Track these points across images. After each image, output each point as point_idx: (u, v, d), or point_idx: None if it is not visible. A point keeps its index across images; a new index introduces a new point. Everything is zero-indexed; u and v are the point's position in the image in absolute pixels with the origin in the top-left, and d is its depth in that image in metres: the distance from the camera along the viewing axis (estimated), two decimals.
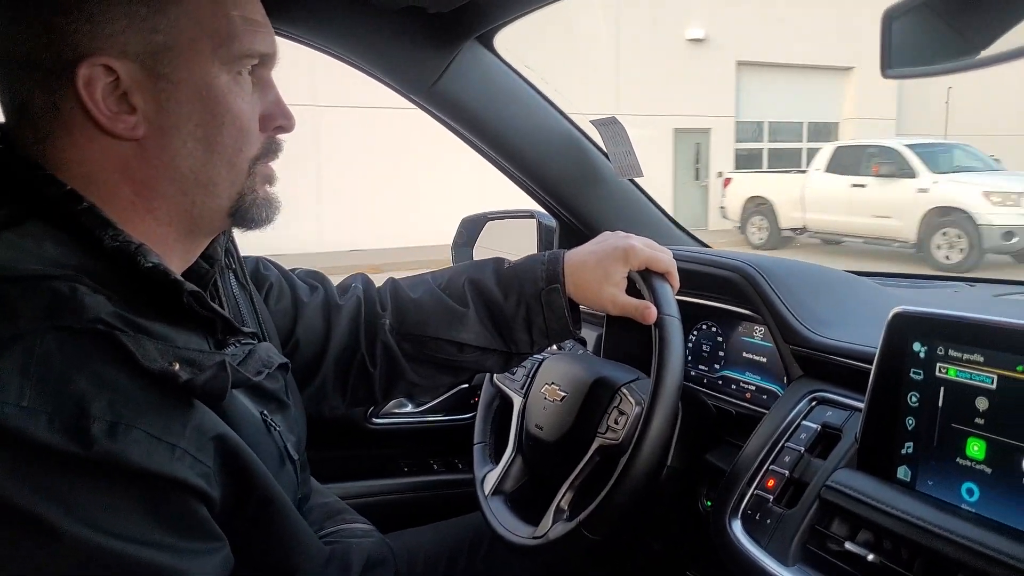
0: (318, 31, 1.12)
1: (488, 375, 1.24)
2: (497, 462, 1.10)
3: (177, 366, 0.56)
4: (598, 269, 0.92)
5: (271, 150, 0.71)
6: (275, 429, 0.71)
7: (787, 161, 15.93)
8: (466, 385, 1.46)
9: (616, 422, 0.97)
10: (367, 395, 0.98)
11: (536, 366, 1.15)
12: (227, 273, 0.80)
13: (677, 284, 0.94)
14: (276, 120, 0.70)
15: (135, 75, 0.61)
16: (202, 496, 0.58)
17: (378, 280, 1.03)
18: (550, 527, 0.93)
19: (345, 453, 1.36)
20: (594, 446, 0.97)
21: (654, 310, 0.89)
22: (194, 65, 0.63)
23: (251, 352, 0.68)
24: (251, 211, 0.70)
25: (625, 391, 0.99)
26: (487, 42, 1.20)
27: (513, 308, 0.93)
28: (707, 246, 1.45)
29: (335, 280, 1.02)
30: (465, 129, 1.27)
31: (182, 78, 0.63)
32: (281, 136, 0.72)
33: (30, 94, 0.61)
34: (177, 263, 0.70)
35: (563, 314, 0.93)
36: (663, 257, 0.93)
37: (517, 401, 1.13)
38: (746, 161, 15.90)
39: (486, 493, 1.05)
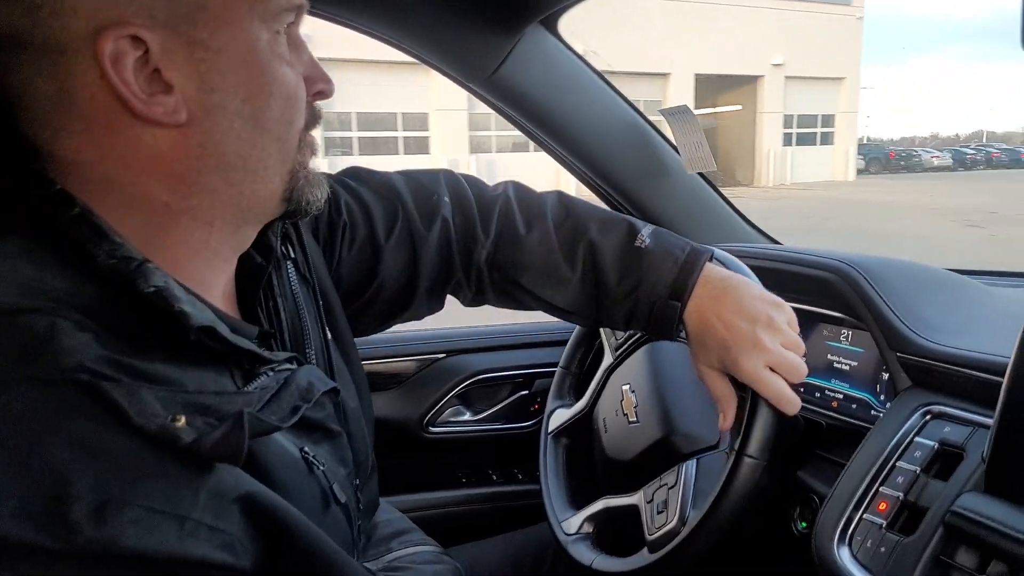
0: (370, 15, 1.06)
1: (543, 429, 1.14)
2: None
3: (183, 420, 0.45)
4: (719, 327, 0.76)
5: (315, 119, 0.61)
6: (318, 468, 0.60)
7: (389, 148, 18.30)
8: (526, 392, 1.38)
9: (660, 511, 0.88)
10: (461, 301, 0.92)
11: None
12: (285, 264, 0.68)
13: (789, 412, 0.77)
14: (316, 84, 0.60)
15: (168, 45, 0.50)
16: (227, 570, 0.47)
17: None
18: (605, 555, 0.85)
19: (400, 463, 1.30)
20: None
21: (729, 421, 0.78)
22: (235, 26, 0.52)
23: (287, 382, 0.56)
24: (305, 191, 0.60)
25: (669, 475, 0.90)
26: (551, 26, 1.12)
27: (622, 296, 0.81)
28: (779, 243, 1.36)
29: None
30: (526, 119, 1.19)
31: (223, 43, 0.52)
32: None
33: (27, 83, 0.49)
34: (220, 266, 0.60)
35: (670, 329, 0.80)
36: (789, 375, 0.76)
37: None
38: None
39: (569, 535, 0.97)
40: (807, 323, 1.13)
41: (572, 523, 0.96)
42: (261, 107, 0.54)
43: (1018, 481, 0.70)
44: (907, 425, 0.83)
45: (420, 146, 18.92)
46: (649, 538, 0.86)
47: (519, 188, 0.90)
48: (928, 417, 0.83)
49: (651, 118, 1.28)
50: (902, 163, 35.08)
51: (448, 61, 1.11)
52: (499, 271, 0.86)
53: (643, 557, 0.84)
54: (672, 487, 0.87)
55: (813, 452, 1.00)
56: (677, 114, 1.23)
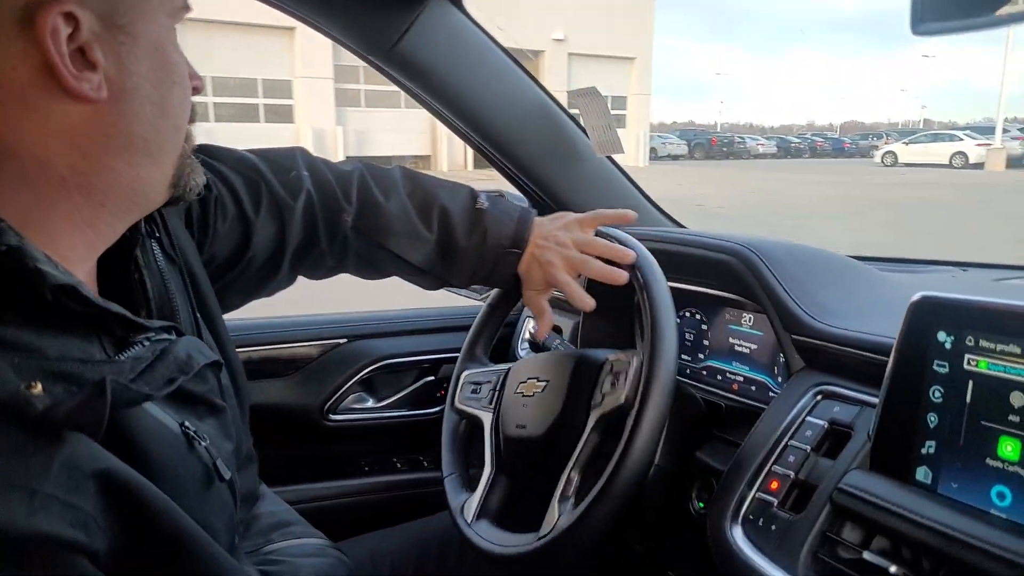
0: None
1: (448, 402, 1.10)
2: (473, 490, 0.97)
3: (39, 387, 0.44)
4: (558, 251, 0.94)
5: (194, 111, 0.63)
6: (200, 444, 0.58)
7: (248, 115, 17.85)
8: (432, 378, 1.35)
9: (613, 384, 0.86)
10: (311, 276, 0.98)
11: (503, 376, 1.03)
12: (149, 242, 0.67)
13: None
14: (194, 79, 0.62)
15: (94, 27, 0.52)
16: (79, 550, 0.44)
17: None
18: (556, 520, 0.83)
19: (298, 453, 1.24)
20: (591, 421, 0.86)
21: (630, 254, 0.89)
22: (148, 16, 0.56)
23: (164, 353, 0.55)
24: (189, 178, 0.63)
25: (613, 357, 0.89)
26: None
27: (469, 250, 0.95)
28: (684, 227, 1.37)
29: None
30: (429, 95, 1.15)
31: (139, 31, 0.55)
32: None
33: None
34: (96, 247, 0.59)
35: (509, 277, 0.97)
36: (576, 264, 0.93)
37: (487, 417, 1.01)
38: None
39: (469, 520, 0.93)
40: (712, 308, 1.14)
41: (471, 505, 0.94)
42: (166, 94, 0.57)
43: (901, 458, 0.71)
44: (799, 405, 0.84)
45: (283, 114, 18.42)
46: (547, 519, 0.84)
47: (367, 164, 0.99)
48: (820, 397, 0.84)
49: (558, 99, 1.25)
50: (724, 149, 35.70)
51: (346, 31, 1.06)
52: (364, 237, 0.93)
53: (540, 539, 0.83)
54: (573, 467, 0.86)
55: (712, 433, 1.01)
56: (586, 96, 1.21)
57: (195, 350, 0.59)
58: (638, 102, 24.71)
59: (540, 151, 1.24)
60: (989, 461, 0.65)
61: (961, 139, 26.83)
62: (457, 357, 1.09)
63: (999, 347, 0.65)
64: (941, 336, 0.69)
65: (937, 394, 0.69)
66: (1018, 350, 0.64)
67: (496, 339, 1.13)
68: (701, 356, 1.16)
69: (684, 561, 1.05)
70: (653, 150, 31.30)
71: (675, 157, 32.55)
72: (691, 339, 1.17)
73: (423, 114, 21.41)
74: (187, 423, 0.58)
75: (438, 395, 1.35)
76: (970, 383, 0.67)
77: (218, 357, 0.63)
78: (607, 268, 0.89)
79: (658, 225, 1.36)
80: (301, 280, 0.98)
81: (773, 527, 0.77)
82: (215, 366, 0.63)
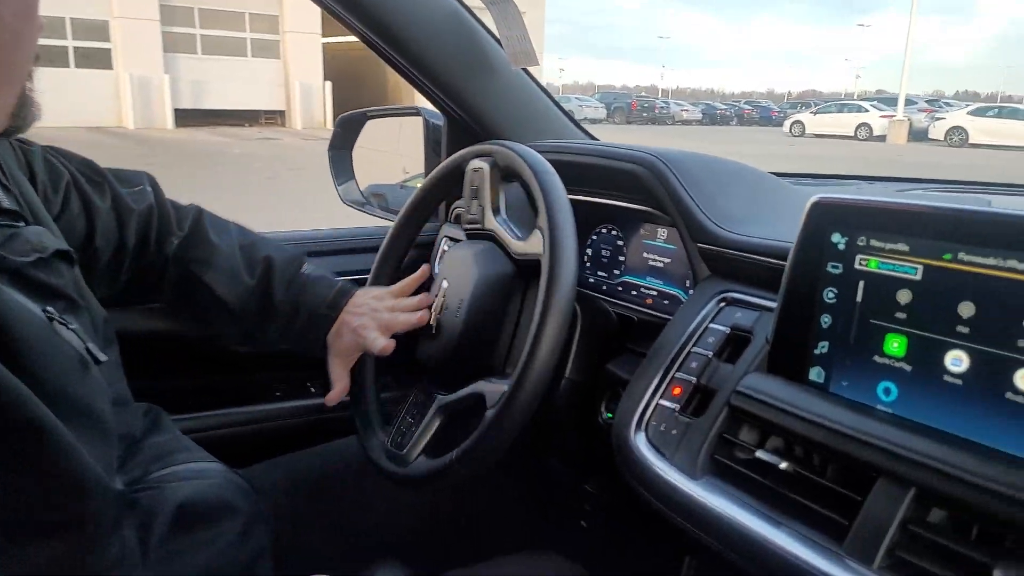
0: None
1: None
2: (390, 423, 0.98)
3: None
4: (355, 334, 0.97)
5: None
6: (68, 328, 0.59)
7: (54, 59, 16.06)
8: None
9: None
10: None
11: None
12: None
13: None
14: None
15: None
16: None
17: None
18: (413, 460, 0.83)
19: (208, 382, 1.20)
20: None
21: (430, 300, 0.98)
22: None
23: (14, 235, 0.57)
24: (28, 112, 0.64)
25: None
26: None
27: (284, 303, 0.97)
28: (596, 139, 1.35)
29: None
30: (336, 4, 1.08)
31: None
32: None
33: None
34: None
35: (319, 340, 0.98)
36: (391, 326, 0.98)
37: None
38: None
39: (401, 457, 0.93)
40: (629, 223, 1.13)
41: (376, 427, 0.93)
42: (22, 27, 0.59)
43: (796, 359, 0.73)
44: (703, 313, 0.84)
45: (98, 60, 16.79)
46: (460, 443, 0.84)
47: (206, 211, 1.02)
48: (723, 304, 0.85)
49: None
50: (645, 114, 34.77)
51: None
52: (184, 265, 0.95)
53: (447, 457, 0.83)
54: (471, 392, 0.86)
55: (624, 346, 1.01)
56: (500, 4, 1.16)
57: (46, 237, 0.61)
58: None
59: (452, 62, 1.19)
60: (876, 358, 0.67)
61: (867, 110, 26.55)
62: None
63: (888, 246, 0.66)
64: (835, 237, 0.70)
65: (831, 295, 0.70)
66: (906, 248, 0.65)
67: (408, 261, 1.10)
68: (617, 272, 1.15)
69: (597, 472, 1.07)
70: (570, 112, 31.51)
71: (593, 121, 30.92)
72: (607, 255, 1.17)
73: (275, 65, 19.42)
74: (49, 308, 0.58)
75: None
76: (861, 283, 0.68)
77: (69, 248, 0.64)
78: (411, 317, 0.97)
79: (573, 137, 1.33)
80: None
81: (674, 432, 0.78)
82: (66, 258, 0.64)
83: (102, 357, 0.62)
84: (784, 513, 0.66)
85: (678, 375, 0.81)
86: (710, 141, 20.05)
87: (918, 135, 24.20)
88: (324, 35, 18.63)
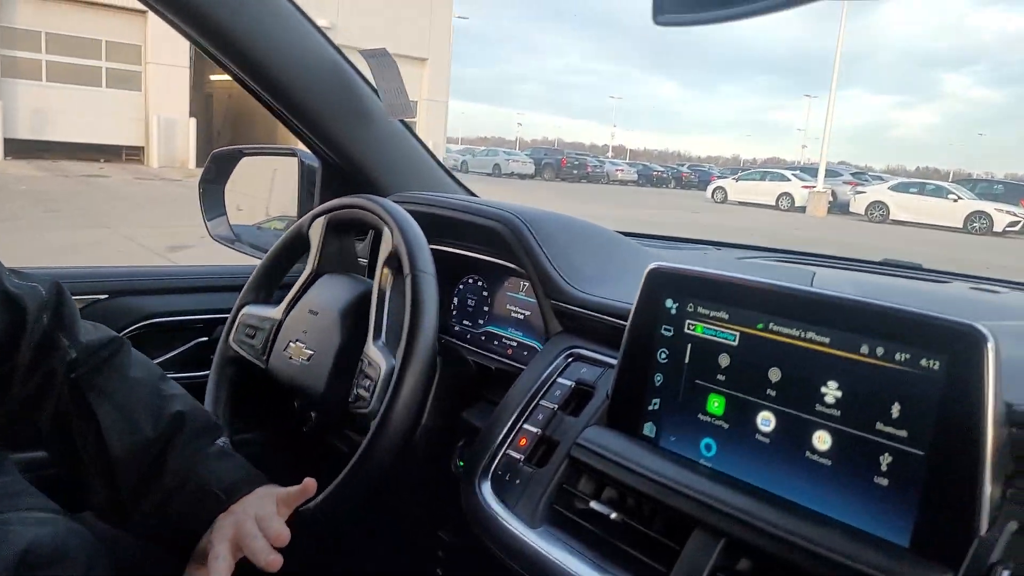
0: None
1: (223, 337, 1.10)
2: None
3: None
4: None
5: None
6: None
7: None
8: (205, 339, 1.28)
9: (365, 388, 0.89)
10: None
11: (274, 327, 1.04)
12: None
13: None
14: None
15: None
16: None
17: None
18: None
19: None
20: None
21: (283, 538, 0.78)
22: None
23: None
24: None
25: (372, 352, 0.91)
26: None
27: (179, 471, 0.82)
28: (475, 196, 1.39)
29: None
30: (210, 44, 1.07)
31: None
32: None
33: None
34: None
35: (208, 512, 0.82)
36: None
37: (256, 369, 1.00)
38: None
39: None
40: (494, 276, 1.17)
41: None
42: None
43: (632, 414, 0.78)
44: (552, 367, 0.89)
45: None
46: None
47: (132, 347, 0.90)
48: (570, 359, 0.89)
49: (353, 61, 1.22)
50: (575, 171, 32.93)
51: None
52: (77, 389, 0.82)
53: (311, 502, 0.83)
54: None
55: (482, 395, 1.04)
56: (377, 57, 1.19)
57: None
58: (431, 109, 21.70)
59: (329, 108, 1.20)
60: (700, 416, 0.73)
61: (789, 179, 25.20)
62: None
63: (712, 313, 0.72)
64: (668, 303, 0.76)
65: (663, 355, 0.76)
66: (726, 316, 0.71)
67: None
68: (481, 322, 1.18)
69: (449, 519, 1.08)
70: (496, 166, 30.53)
71: (521, 176, 30.51)
72: (472, 305, 1.20)
73: (132, 98, 17.22)
74: None
75: (211, 357, 1.28)
76: (689, 346, 0.74)
77: None
78: (262, 551, 0.76)
79: (448, 191, 1.37)
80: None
81: (518, 481, 0.81)
82: None
83: None
84: (613, 562, 0.70)
85: (525, 426, 0.84)
86: (631, 205, 19.12)
87: (841, 207, 23.09)
88: (216, 72, 17.56)
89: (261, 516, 0.80)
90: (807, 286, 0.67)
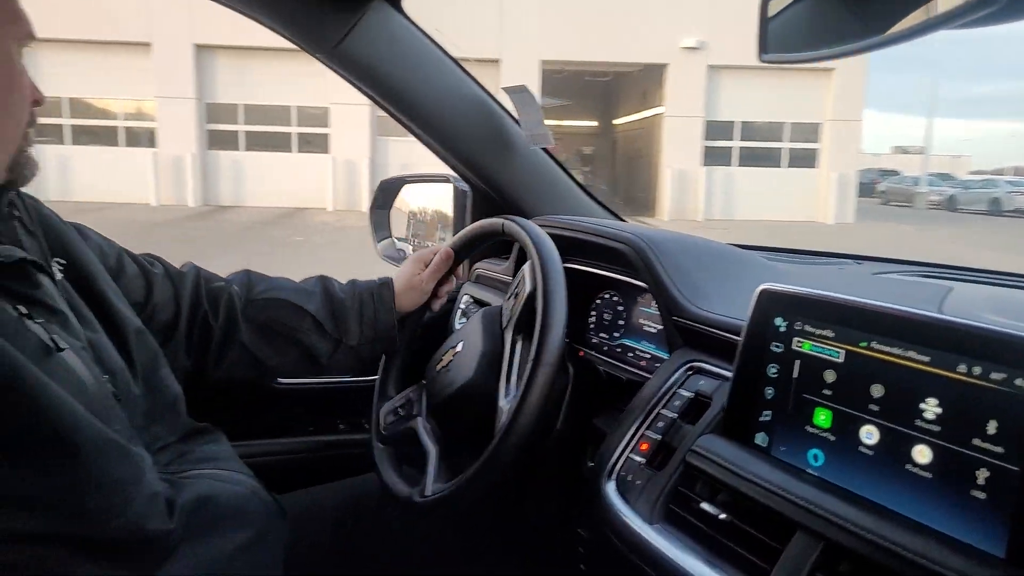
0: None
1: (374, 435, 1.22)
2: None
3: None
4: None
5: (34, 117, 0.79)
6: (34, 321, 0.71)
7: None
8: None
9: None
10: (203, 351, 1.06)
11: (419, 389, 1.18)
12: (13, 222, 0.81)
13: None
14: (35, 93, 0.78)
15: None
16: None
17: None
18: (426, 486, 0.95)
19: (248, 415, 1.35)
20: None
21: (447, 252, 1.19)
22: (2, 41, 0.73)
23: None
24: (25, 168, 0.77)
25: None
26: (395, 3, 1.19)
27: (350, 300, 1.13)
28: (621, 219, 1.48)
29: None
30: (374, 91, 1.25)
31: None
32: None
33: None
34: None
35: (391, 307, 1.15)
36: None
37: (418, 421, 1.14)
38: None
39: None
40: (630, 291, 1.26)
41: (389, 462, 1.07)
42: (6, 97, 0.74)
43: (745, 424, 0.84)
44: (672, 379, 0.96)
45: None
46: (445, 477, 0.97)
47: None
48: (690, 372, 0.96)
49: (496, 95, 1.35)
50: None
51: (292, 30, 1.16)
52: (254, 303, 1.09)
53: (452, 484, 0.95)
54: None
55: (613, 403, 1.13)
56: (518, 93, 1.32)
57: (15, 250, 0.73)
58: (838, 131, 16.59)
59: (477, 142, 1.35)
60: (808, 428, 0.77)
61: None
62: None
63: (818, 331, 0.77)
64: (777, 321, 0.81)
65: (773, 370, 0.81)
66: (831, 334, 0.76)
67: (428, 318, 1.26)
68: (616, 335, 1.27)
69: (586, 517, 1.17)
70: (996, 201, 21.83)
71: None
72: (608, 319, 1.29)
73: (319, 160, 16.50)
74: (20, 306, 0.71)
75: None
76: (797, 362, 0.79)
77: (34, 258, 0.76)
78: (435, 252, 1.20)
79: (592, 214, 1.47)
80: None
81: (638, 482, 0.89)
82: (36, 268, 0.75)
83: (63, 346, 0.72)
84: (720, 558, 0.76)
85: (647, 432, 0.92)
86: None
87: None
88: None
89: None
90: (908, 306, 0.70)
